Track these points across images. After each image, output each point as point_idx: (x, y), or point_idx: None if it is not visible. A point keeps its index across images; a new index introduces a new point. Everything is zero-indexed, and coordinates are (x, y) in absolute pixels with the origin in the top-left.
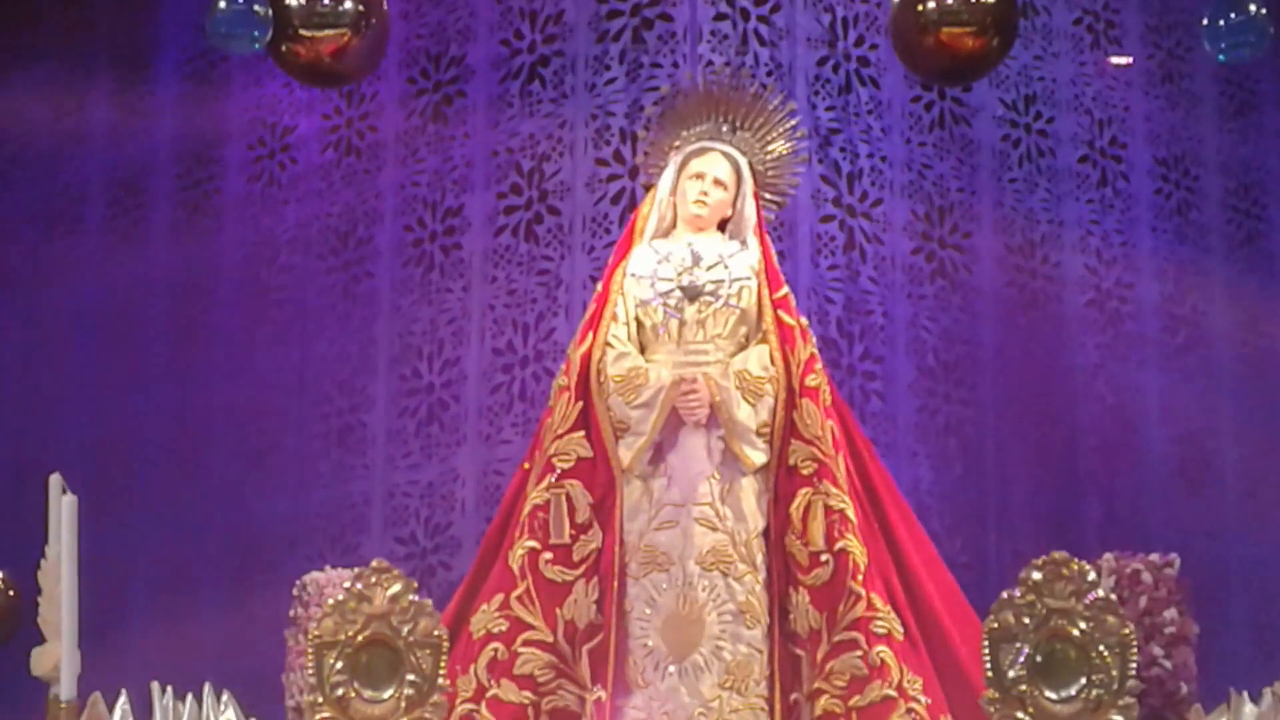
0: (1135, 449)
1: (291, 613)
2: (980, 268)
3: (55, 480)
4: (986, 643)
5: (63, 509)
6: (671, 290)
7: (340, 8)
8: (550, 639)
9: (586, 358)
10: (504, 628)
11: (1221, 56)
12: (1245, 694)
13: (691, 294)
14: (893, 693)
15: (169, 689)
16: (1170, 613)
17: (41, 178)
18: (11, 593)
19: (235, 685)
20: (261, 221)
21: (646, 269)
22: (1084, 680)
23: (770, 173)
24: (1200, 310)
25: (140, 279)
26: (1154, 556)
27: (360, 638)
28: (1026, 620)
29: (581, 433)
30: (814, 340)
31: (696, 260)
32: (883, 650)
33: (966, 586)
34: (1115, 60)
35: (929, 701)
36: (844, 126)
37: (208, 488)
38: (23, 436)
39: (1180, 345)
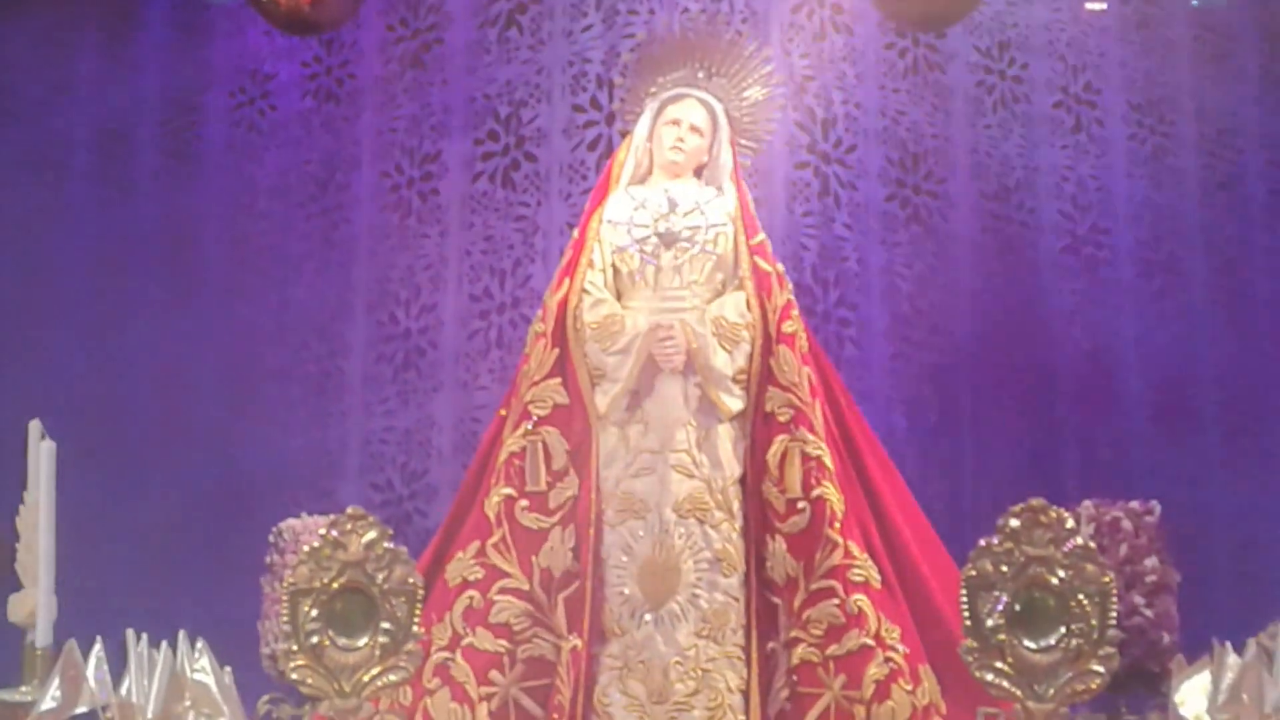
0: (1112, 395)
1: (267, 559)
2: (955, 214)
3: (34, 426)
4: (965, 591)
5: (41, 455)
6: (648, 236)
7: None
8: (526, 587)
9: (563, 304)
10: (480, 575)
11: (1195, 1)
12: (1229, 645)
13: (668, 240)
14: (870, 641)
15: (144, 637)
16: (1151, 561)
17: (29, 126)
18: None
19: (211, 632)
20: (242, 168)
21: (623, 215)
22: (1063, 629)
23: (746, 119)
24: (1177, 255)
25: (125, 226)
26: (1134, 504)
27: (335, 585)
28: (1005, 568)
29: (558, 379)
30: (790, 286)
31: (673, 206)
32: (860, 598)
33: (942, 534)
34: (1090, 6)
35: (906, 650)
36: (818, 73)
37: (187, 435)
38: (5, 383)
39: (1157, 290)
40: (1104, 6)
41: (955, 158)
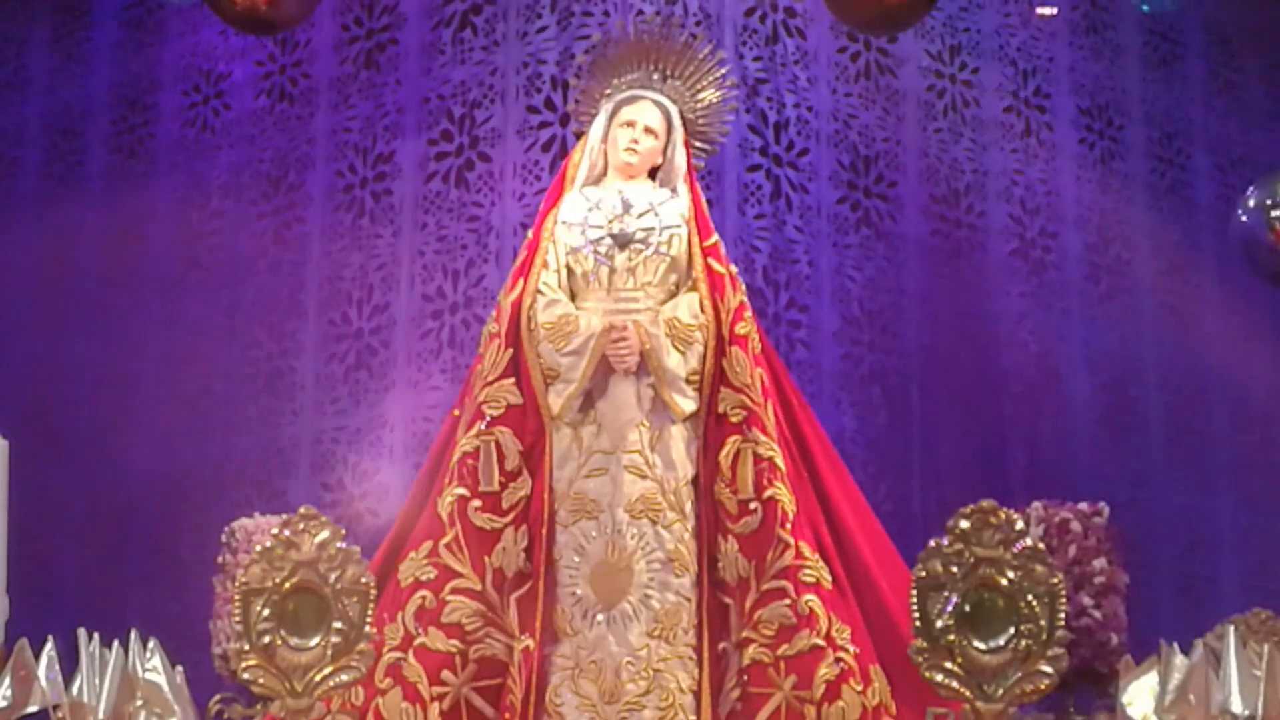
0: (1059, 397)
1: (219, 559)
2: (905, 217)
3: None
4: (915, 592)
5: None
6: (602, 237)
7: None
8: (478, 587)
9: (517, 305)
10: (432, 575)
11: (1145, 7)
12: (1175, 646)
13: (622, 241)
14: (821, 642)
15: (95, 636)
16: (1099, 562)
17: None
18: None
19: (162, 631)
20: (195, 167)
21: (577, 216)
22: (1013, 630)
23: (700, 121)
24: (1124, 259)
25: (75, 223)
26: (1083, 505)
27: (287, 585)
28: (955, 569)
29: (511, 380)
30: (743, 288)
31: (627, 208)
32: (811, 599)
33: (891, 535)
34: (1040, 11)
35: (857, 651)
36: (771, 76)
37: (137, 432)
38: None
39: (1103, 294)
40: (1054, 11)
41: (906, 161)
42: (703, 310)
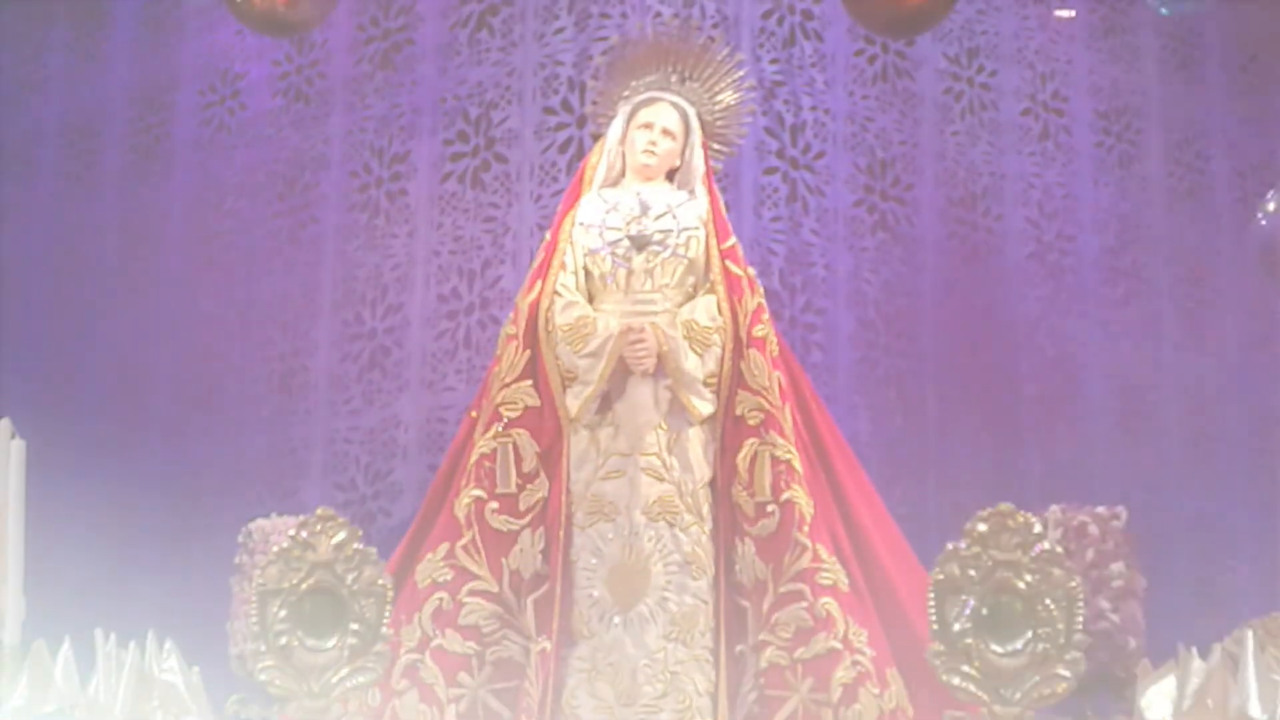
0: (1076, 401)
1: (236, 560)
2: (922, 220)
3: (4, 425)
4: (932, 595)
5: (11, 454)
6: (620, 239)
7: None
8: (495, 589)
9: (535, 306)
10: (449, 577)
11: (1164, 10)
12: (1194, 650)
13: (639, 243)
14: (838, 645)
15: (112, 636)
16: (1117, 566)
17: None
18: None
19: (175, 631)
20: (210, 166)
21: (595, 218)
22: (1030, 634)
23: (718, 123)
24: (1141, 263)
25: (90, 222)
26: (1100, 509)
27: (304, 586)
28: (972, 573)
29: (529, 382)
30: (761, 290)
31: (645, 210)
32: (828, 602)
33: (907, 538)
34: (1058, 14)
35: (874, 654)
36: (788, 79)
37: (150, 431)
38: None
39: (1121, 298)
40: (1072, 14)
41: (923, 164)
42: (720, 313)
